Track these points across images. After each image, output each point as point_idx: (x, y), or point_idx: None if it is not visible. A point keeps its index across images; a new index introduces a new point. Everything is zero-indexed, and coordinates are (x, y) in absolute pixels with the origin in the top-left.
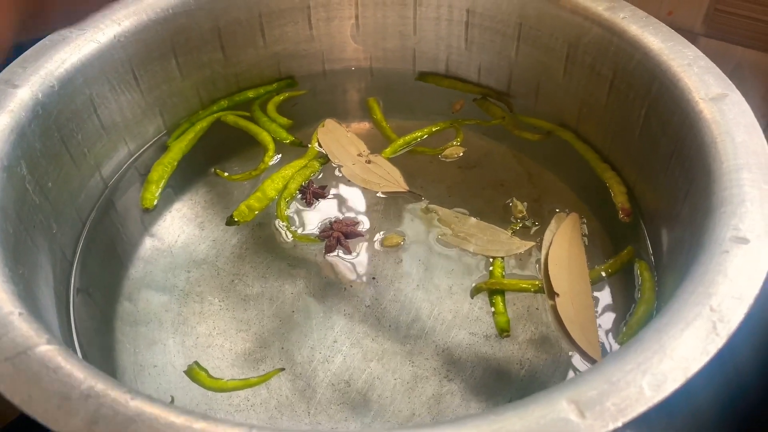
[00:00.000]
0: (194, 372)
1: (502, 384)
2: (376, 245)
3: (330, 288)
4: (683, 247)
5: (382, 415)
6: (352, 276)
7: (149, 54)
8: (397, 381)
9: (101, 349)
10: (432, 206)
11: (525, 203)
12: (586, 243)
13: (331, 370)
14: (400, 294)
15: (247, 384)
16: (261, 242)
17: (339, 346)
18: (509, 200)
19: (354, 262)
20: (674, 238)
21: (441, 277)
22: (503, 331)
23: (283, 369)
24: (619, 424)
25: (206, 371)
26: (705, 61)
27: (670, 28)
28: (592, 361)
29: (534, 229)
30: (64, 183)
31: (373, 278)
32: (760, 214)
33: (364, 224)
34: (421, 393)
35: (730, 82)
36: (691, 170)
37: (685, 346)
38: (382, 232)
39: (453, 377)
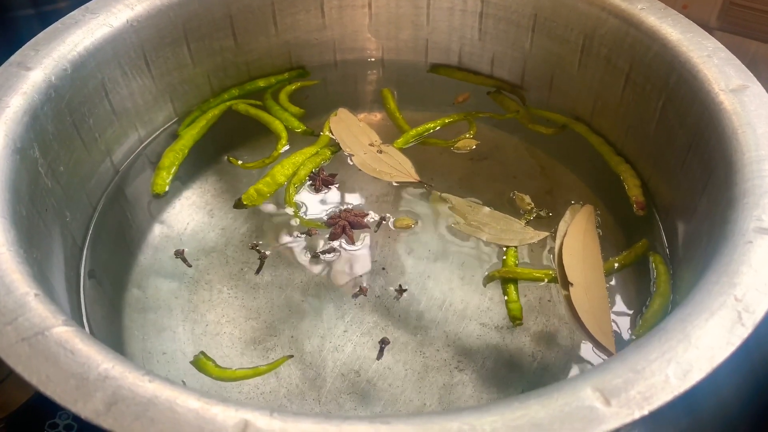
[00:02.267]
0: (201, 362)
1: (514, 375)
2: (387, 232)
3: (340, 277)
4: (701, 240)
5: (393, 405)
6: (362, 265)
7: (161, 39)
8: (407, 371)
9: (110, 335)
10: (445, 195)
11: (528, 196)
12: (600, 235)
13: (341, 360)
14: (411, 283)
15: (256, 372)
16: (271, 231)
17: (349, 335)
18: (512, 193)
19: (364, 251)
20: (691, 231)
21: (452, 266)
22: (516, 319)
23: (291, 356)
24: (645, 412)
25: (213, 361)
26: (725, 53)
27: (688, 20)
28: (607, 352)
29: (548, 220)
30: (75, 168)
31: (383, 268)
32: None
33: (374, 214)
34: (431, 383)
35: (751, 73)
36: (710, 162)
37: (710, 336)
38: (392, 221)
39: (464, 367)
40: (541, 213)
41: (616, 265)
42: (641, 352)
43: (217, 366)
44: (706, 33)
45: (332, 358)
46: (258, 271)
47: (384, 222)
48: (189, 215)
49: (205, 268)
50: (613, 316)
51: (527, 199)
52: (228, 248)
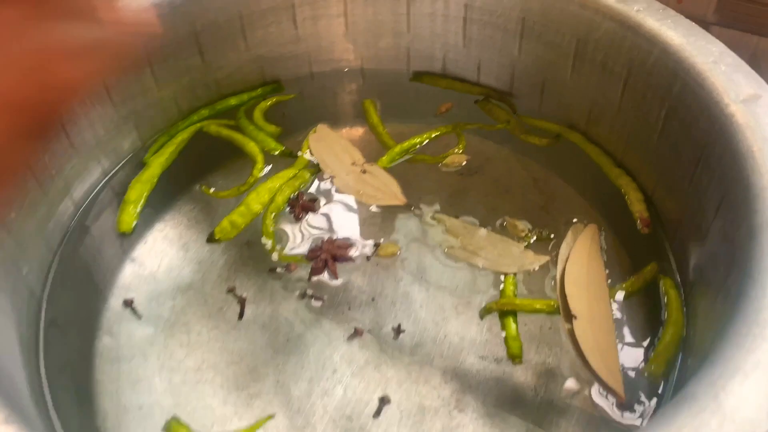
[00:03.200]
0: (173, 429)
1: (517, 413)
2: (375, 261)
3: (327, 311)
4: (718, 266)
5: None
6: (350, 297)
7: (120, 64)
8: (403, 414)
9: (78, 392)
10: (439, 215)
11: (522, 221)
12: (604, 257)
13: (332, 405)
14: (403, 316)
15: None
16: (250, 263)
17: (339, 376)
18: (503, 219)
19: (352, 281)
20: (705, 253)
21: (446, 295)
22: (515, 357)
23: (272, 416)
24: None
25: (187, 427)
26: (732, 58)
27: (690, 21)
28: (614, 393)
29: (548, 242)
30: (29, 212)
31: (373, 299)
32: None
33: (359, 243)
34: (430, 427)
35: (763, 81)
36: (722, 181)
37: (747, 405)
38: (381, 240)
39: (463, 407)
40: (543, 233)
41: (623, 292)
42: (670, 427)
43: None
44: (711, 36)
45: (322, 403)
46: (240, 317)
47: (372, 252)
48: (162, 250)
49: (182, 308)
50: (621, 348)
51: (521, 225)
52: (205, 285)
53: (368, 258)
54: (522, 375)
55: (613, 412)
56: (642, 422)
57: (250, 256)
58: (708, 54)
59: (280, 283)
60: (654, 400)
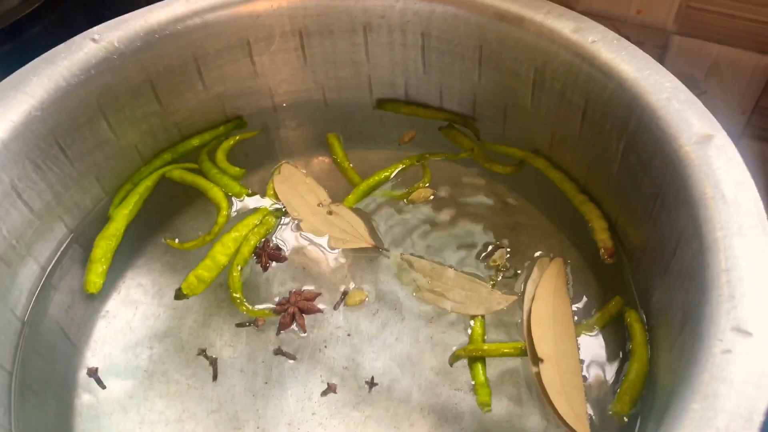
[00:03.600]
0: None
1: None
2: (343, 309)
3: (303, 350)
4: (676, 310)
5: None
6: (327, 334)
7: (74, 121)
8: None
9: None
10: (405, 257)
11: (500, 251)
12: (570, 291)
13: None
14: (381, 352)
15: None
16: (225, 305)
17: (318, 418)
18: (486, 251)
19: (328, 322)
20: (665, 291)
21: (420, 333)
22: (484, 406)
23: None
24: None
25: None
26: (685, 94)
27: (645, 54)
28: None
29: (515, 279)
30: None
31: (349, 335)
32: (762, 298)
33: (327, 291)
34: None
35: (714, 119)
36: (677, 224)
37: None
38: (351, 286)
39: None
40: (509, 270)
41: (589, 329)
42: None
43: None
44: (664, 69)
45: None
46: (214, 378)
47: (339, 301)
48: (136, 298)
49: (160, 357)
50: (587, 386)
51: (498, 256)
52: (182, 331)
53: (335, 308)
54: (497, 408)
55: None
56: None
57: (224, 298)
58: (662, 90)
59: (250, 331)
60: None
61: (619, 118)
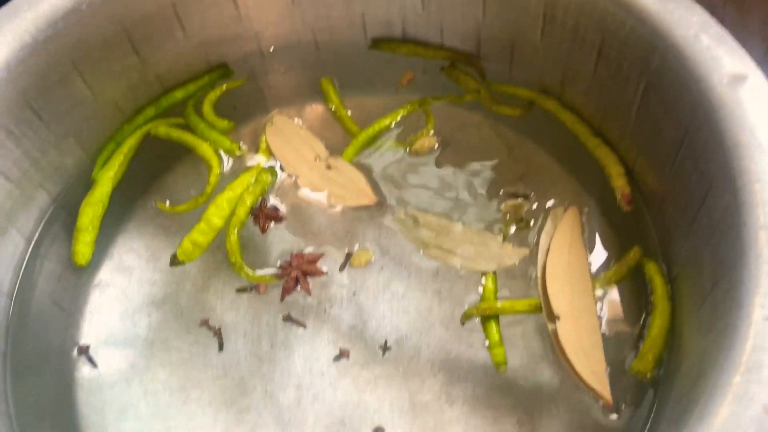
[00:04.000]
0: None
1: (507, 402)
2: (348, 267)
3: (309, 312)
4: (705, 261)
5: None
6: (331, 294)
7: (45, 81)
8: (395, 413)
9: (64, 430)
10: (410, 212)
11: (519, 199)
12: (585, 234)
13: (323, 411)
14: (387, 310)
15: None
16: (224, 267)
17: (328, 379)
18: (498, 200)
19: (332, 281)
20: (691, 241)
21: (428, 289)
22: (500, 365)
23: None
24: None
25: None
26: (715, 29)
27: None
28: (599, 396)
29: (529, 230)
30: None
31: (354, 294)
32: None
33: (330, 253)
34: (422, 424)
35: (748, 57)
36: (706, 173)
37: None
38: (355, 247)
39: (454, 400)
40: (520, 223)
41: (607, 282)
42: None
43: None
44: (690, 1)
45: (312, 410)
46: (220, 348)
47: (344, 263)
48: (130, 264)
49: (159, 324)
50: (606, 345)
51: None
52: (180, 296)
53: (341, 269)
54: (510, 364)
55: (601, 412)
56: (629, 422)
57: (222, 260)
58: (688, 25)
59: (251, 295)
60: (644, 399)
61: (639, 57)
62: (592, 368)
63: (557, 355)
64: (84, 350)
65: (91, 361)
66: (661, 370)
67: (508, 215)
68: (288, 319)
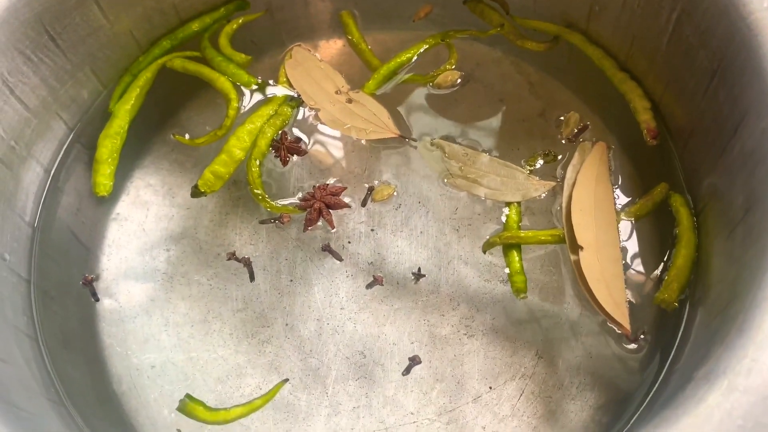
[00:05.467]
0: (189, 407)
1: (525, 335)
2: (369, 199)
3: (329, 254)
4: (736, 193)
5: (405, 386)
6: (349, 230)
7: (63, 5)
8: (414, 344)
9: (88, 362)
10: (436, 141)
11: (572, 113)
12: (611, 177)
13: (343, 342)
14: (405, 246)
15: (251, 408)
16: (242, 202)
17: (347, 313)
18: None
19: (349, 217)
20: (720, 174)
21: (446, 224)
22: (520, 293)
23: (287, 380)
24: None
25: (202, 404)
26: None
27: None
28: (618, 325)
29: (557, 163)
30: None
31: (372, 230)
32: None
33: (353, 185)
34: (441, 356)
35: None
36: (742, 99)
37: None
38: (375, 182)
39: (473, 332)
40: (548, 154)
41: (632, 217)
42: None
43: (207, 409)
44: None
45: (333, 341)
46: (251, 279)
47: (367, 197)
48: (147, 199)
49: (178, 259)
50: (631, 275)
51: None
52: (198, 231)
53: (363, 204)
54: (529, 298)
55: (620, 342)
56: (649, 352)
57: (240, 196)
58: None
59: (271, 228)
60: (665, 330)
61: None
62: (613, 298)
63: (579, 285)
64: (88, 282)
65: (94, 295)
66: (687, 301)
67: (569, 127)
68: (327, 249)
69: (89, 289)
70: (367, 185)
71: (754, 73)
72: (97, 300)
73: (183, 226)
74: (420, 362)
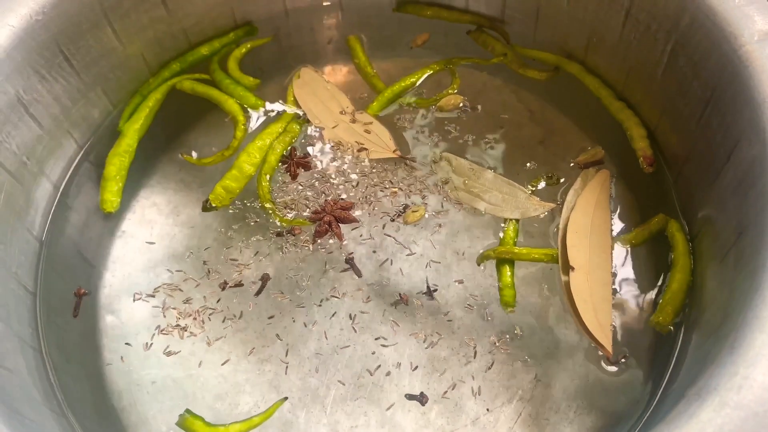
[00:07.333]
0: (188, 422)
1: (524, 359)
2: (373, 216)
3: (329, 263)
4: (729, 219)
5: (403, 407)
6: (349, 249)
7: (78, 27)
8: (413, 364)
9: (89, 376)
10: (445, 154)
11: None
12: (612, 197)
13: (343, 362)
14: (404, 264)
15: (250, 425)
16: (246, 221)
17: (346, 333)
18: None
19: (351, 233)
20: (713, 200)
21: (450, 245)
22: (508, 306)
23: (286, 398)
24: None
25: (202, 420)
26: None
27: None
28: (601, 347)
29: (559, 186)
30: (6, 206)
31: (374, 252)
32: None
33: (360, 201)
34: (441, 379)
35: None
36: (733, 129)
37: None
38: (381, 200)
39: (472, 354)
40: (552, 177)
41: (628, 245)
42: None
43: (206, 424)
44: None
45: (333, 361)
46: (258, 293)
47: (395, 217)
48: (152, 217)
49: (181, 277)
50: (626, 298)
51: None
52: (202, 250)
53: (392, 220)
54: (528, 323)
55: (603, 365)
56: (644, 375)
57: (245, 214)
58: None
59: (281, 240)
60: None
61: (668, 17)
62: (598, 320)
63: (566, 303)
64: (79, 295)
65: (76, 308)
66: (682, 324)
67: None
68: (349, 262)
69: (76, 301)
70: (371, 201)
71: (746, 103)
72: (76, 316)
73: (186, 245)
74: (428, 401)
